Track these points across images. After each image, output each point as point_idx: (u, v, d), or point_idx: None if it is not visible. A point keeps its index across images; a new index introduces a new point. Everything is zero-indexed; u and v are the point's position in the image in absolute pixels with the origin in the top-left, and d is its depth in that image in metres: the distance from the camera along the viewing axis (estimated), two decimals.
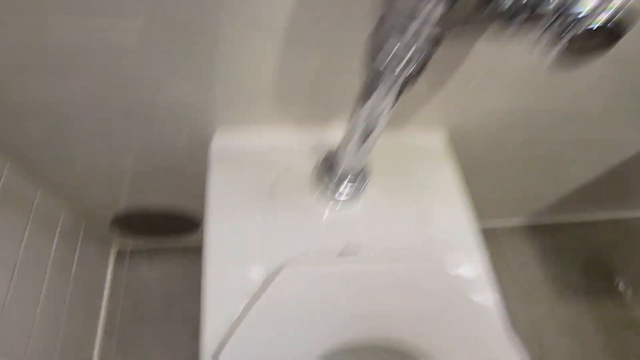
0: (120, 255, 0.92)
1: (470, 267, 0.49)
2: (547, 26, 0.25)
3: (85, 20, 0.33)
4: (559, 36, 0.24)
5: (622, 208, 1.22)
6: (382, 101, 0.33)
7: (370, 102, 0.34)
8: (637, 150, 0.77)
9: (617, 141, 0.71)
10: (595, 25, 0.22)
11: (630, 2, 0.23)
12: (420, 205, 0.52)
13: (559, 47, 0.24)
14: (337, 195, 0.50)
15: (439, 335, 0.44)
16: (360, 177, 0.50)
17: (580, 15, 0.23)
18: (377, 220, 0.51)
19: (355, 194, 0.50)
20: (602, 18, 0.22)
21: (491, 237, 1.13)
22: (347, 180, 0.49)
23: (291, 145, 0.53)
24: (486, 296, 0.47)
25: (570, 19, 0.23)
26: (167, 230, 0.87)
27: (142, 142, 0.53)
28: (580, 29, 0.23)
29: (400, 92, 0.33)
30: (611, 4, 0.23)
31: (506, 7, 0.27)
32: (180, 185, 0.65)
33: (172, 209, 0.76)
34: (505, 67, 0.45)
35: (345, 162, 0.45)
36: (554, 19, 0.24)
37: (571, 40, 0.24)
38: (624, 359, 1.02)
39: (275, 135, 0.53)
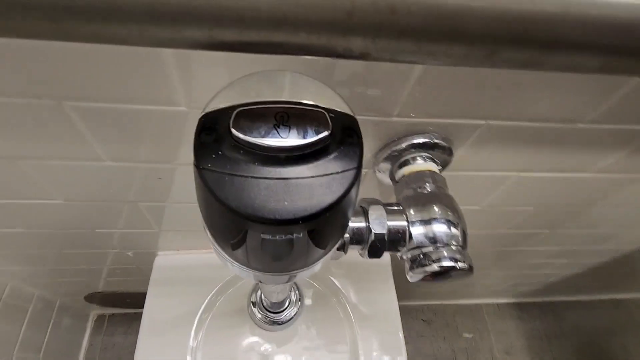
0: (99, 320, 0.96)
1: None
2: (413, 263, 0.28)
3: None
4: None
5: (625, 289, 1.15)
6: None
7: None
8: None
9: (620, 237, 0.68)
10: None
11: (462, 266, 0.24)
12: (353, 335, 0.52)
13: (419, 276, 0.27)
14: (273, 317, 0.51)
15: None
16: (294, 303, 0.51)
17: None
18: (311, 346, 0.51)
19: (288, 319, 0.51)
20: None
21: (476, 315, 1.09)
22: (277, 308, 0.50)
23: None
24: None
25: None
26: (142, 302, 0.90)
27: (97, 257, 0.57)
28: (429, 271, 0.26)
29: None
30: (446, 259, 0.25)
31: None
32: (141, 278, 0.68)
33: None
34: None
35: (268, 296, 0.46)
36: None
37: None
38: None
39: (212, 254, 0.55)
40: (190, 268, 0.55)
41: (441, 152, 0.33)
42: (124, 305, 0.91)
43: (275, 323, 0.51)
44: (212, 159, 0.17)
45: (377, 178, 0.37)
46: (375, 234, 0.27)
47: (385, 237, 0.27)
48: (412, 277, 0.29)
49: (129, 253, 0.57)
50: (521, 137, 0.33)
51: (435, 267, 0.27)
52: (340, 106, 0.20)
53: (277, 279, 0.24)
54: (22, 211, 0.41)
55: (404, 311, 1.09)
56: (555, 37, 0.13)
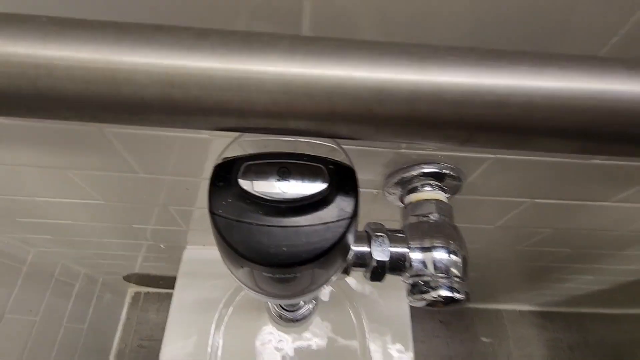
0: (136, 297, 1.05)
1: None
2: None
3: None
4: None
5: None
6: None
7: None
8: None
9: None
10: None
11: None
12: (363, 335, 0.55)
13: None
14: (287, 315, 0.55)
15: None
16: (309, 302, 0.55)
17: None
18: (319, 345, 0.55)
19: (302, 317, 0.55)
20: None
21: (496, 320, 1.08)
22: (293, 307, 0.54)
23: None
24: None
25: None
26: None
27: (133, 246, 0.63)
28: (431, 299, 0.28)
29: None
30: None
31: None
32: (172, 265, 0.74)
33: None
34: None
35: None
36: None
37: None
38: None
39: None
40: (215, 262, 0.59)
41: (450, 180, 0.34)
42: (157, 286, 0.99)
43: (290, 320, 0.54)
44: (222, 206, 0.20)
45: (387, 200, 0.38)
46: (377, 261, 0.29)
47: (386, 264, 0.29)
48: (412, 302, 0.30)
49: (161, 245, 0.62)
50: (534, 169, 0.33)
51: (432, 295, 0.29)
52: (341, 157, 0.22)
53: (282, 301, 0.27)
54: (69, 207, 0.47)
55: (420, 310, 1.09)
56: (527, 123, 0.14)
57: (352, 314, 0.58)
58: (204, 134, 0.31)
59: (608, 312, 1.09)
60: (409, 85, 0.13)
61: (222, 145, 0.32)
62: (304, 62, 0.14)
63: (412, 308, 0.96)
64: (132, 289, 1.05)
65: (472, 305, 1.09)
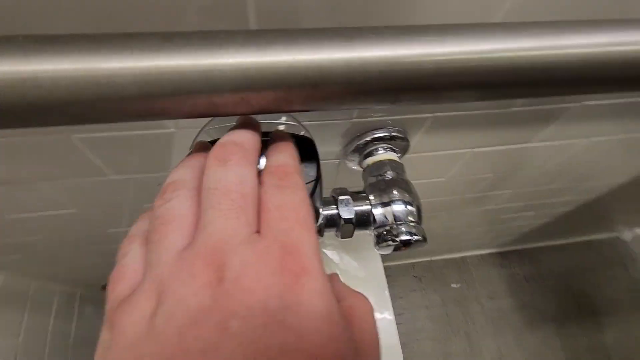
0: None
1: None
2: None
3: None
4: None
5: (594, 231, 1.25)
6: None
7: None
8: (620, 182, 0.81)
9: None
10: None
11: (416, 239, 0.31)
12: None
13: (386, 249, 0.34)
14: None
15: None
16: None
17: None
18: None
19: None
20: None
21: (462, 267, 1.20)
22: None
23: None
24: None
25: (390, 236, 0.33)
26: None
27: (110, 252, 0.63)
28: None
29: None
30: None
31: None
32: None
33: None
34: None
35: None
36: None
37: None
38: None
39: None
40: None
41: (399, 141, 0.38)
42: None
43: None
44: None
45: (348, 167, 0.42)
46: (344, 219, 0.33)
47: (353, 221, 0.33)
48: (379, 250, 0.35)
49: None
50: (467, 122, 0.38)
51: (395, 241, 0.34)
52: (301, 132, 0.25)
53: None
54: (41, 221, 0.47)
55: (397, 270, 1.18)
56: (439, 82, 0.18)
57: None
58: (170, 129, 0.33)
59: (554, 244, 1.24)
60: (344, 62, 0.17)
61: (184, 137, 0.34)
62: (258, 52, 0.17)
63: (386, 270, 1.03)
64: None
65: (440, 257, 1.19)
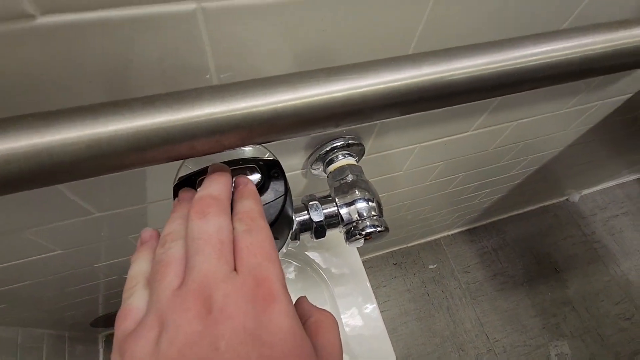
0: (108, 340, 1.04)
1: (359, 301, 0.62)
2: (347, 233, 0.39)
3: None
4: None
5: (547, 198, 1.38)
6: None
7: None
8: (558, 151, 0.90)
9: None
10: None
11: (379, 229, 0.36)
12: (330, 294, 0.65)
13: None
14: None
15: None
16: None
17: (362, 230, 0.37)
18: None
19: None
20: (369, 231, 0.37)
21: (436, 248, 1.28)
22: None
23: None
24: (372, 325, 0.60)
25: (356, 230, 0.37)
26: None
27: (95, 287, 0.64)
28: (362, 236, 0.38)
29: None
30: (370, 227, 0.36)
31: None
32: None
33: None
34: None
35: None
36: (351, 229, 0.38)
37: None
38: (561, 333, 1.19)
39: None
40: None
41: (355, 147, 0.44)
42: None
43: None
44: None
45: (314, 175, 0.47)
46: (315, 222, 0.38)
47: (324, 223, 0.38)
48: (350, 245, 0.40)
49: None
50: (411, 123, 0.45)
51: (362, 234, 0.39)
52: (266, 155, 0.30)
53: None
54: (26, 267, 0.48)
55: (377, 261, 1.25)
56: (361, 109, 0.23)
57: (317, 279, 0.67)
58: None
59: (515, 213, 1.35)
60: (292, 103, 0.22)
61: (159, 170, 0.37)
62: (224, 103, 0.21)
63: (367, 262, 1.09)
64: (103, 332, 1.03)
65: (415, 242, 1.27)
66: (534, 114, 0.54)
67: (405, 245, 1.25)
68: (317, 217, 0.38)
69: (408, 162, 0.55)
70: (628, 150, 1.05)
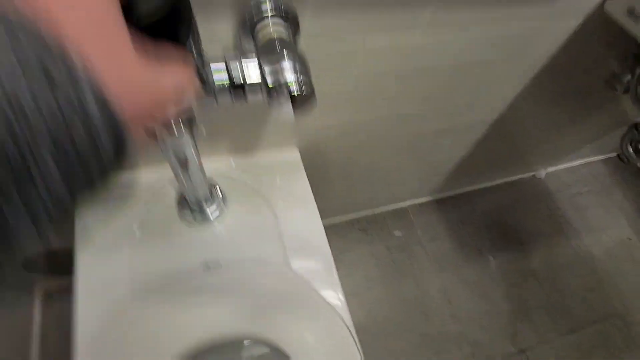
0: (47, 297, 0.95)
1: (318, 266, 0.58)
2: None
3: None
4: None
5: (516, 172, 1.39)
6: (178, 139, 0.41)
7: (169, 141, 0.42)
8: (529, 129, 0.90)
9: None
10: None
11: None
12: (276, 217, 0.61)
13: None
14: (199, 218, 0.58)
15: (291, 330, 0.53)
16: (215, 200, 0.58)
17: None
18: (239, 236, 0.59)
19: (216, 215, 0.58)
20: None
21: (403, 216, 1.26)
22: (203, 205, 0.57)
23: (155, 180, 0.60)
24: (330, 293, 0.56)
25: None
26: None
27: None
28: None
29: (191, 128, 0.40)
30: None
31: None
32: None
33: None
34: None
35: (188, 191, 0.53)
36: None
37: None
38: (523, 303, 1.18)
39: (136, 174, 0.60)
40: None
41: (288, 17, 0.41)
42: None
43: (204, 220, 0.58)
44: None
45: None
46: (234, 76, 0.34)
47: (243, 75, 0.35)
48: (271, 105, 0.36)
49: None
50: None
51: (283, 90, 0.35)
52: None
53: None
54: None
55: (343, 226, 1.21)
56: None
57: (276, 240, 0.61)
58: None
59: (483, 186, 1.35)
60: None
61: None
62: None
63: (333, 228, 1.04)
64: (40, 287, 0.95)
65: (382, 209, 1.24)
66: (485, 18, 0.52)
67: (371, 212, 1.23)
68: (236, 71, 0.35)
69: (356, 61, 0.52)
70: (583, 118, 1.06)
